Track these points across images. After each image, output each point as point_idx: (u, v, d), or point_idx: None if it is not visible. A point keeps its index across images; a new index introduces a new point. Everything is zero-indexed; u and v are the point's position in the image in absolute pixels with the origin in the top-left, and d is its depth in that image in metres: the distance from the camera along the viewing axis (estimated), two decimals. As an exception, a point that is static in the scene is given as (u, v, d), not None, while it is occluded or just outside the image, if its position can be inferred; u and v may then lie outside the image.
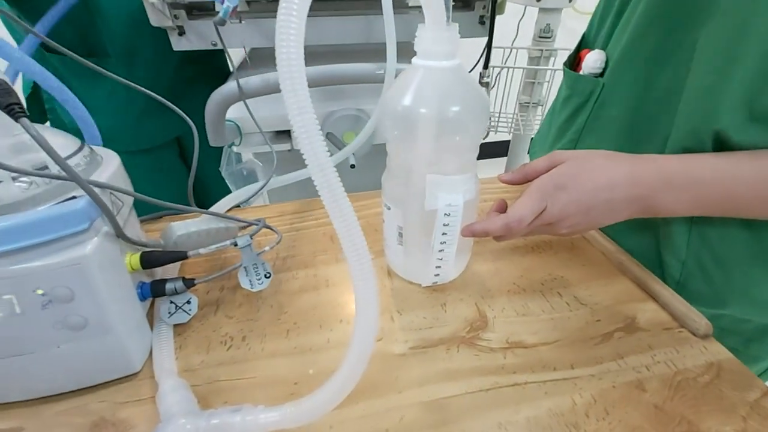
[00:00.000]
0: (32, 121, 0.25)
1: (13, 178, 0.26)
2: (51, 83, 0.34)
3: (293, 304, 0.39)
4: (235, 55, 0.88)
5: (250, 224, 0.42)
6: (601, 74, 0.46)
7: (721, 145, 0.35)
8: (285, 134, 0.72)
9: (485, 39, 0.70)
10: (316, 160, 0.21)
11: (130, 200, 0.35)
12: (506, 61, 1.16)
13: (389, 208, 0.38)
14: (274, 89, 0.58)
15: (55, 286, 0.27)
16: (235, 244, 0.36)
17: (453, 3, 0.49)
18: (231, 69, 0.66)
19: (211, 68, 0.79)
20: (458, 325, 0.37)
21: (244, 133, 0.68)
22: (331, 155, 0.24)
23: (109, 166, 0.32)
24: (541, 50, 1.09)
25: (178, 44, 0.63)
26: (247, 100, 0.58)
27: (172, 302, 0.35)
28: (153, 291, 0.34)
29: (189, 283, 0.36)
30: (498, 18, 0.67)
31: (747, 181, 0.33)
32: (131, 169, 0.36)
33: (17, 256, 0.26)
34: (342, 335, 0.36)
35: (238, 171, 0.72)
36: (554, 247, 0.47)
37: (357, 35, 0.66)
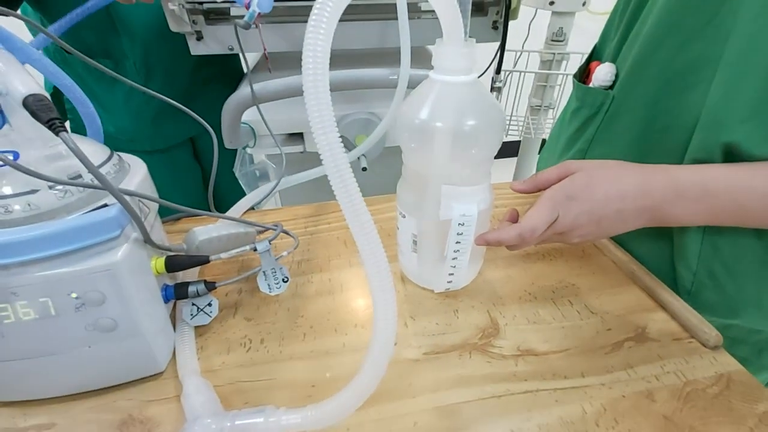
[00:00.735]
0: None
1: (50, 187, 0.27)
2: (64, 81, 0.35)
3: (309, 308, 0.41)
4: (251, 58, 0.90)
5: (268, 229, 0.43)
6: (611, 86, 0.46)
7: (732, 157, 0.36)
8: (298, 136, 0.73)
9: (497, 43, 0.70)
10: (343, 185, 0.23)
11: (155, 206, 0.36)
12: (517, 62, 1.16)
13: (404, 216, 0.39)
14: (291, 93, 0.59)
15: (87, 290, 0.28)
16: (255, 249, 0.38)
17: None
18: (245, 71, 0.67)
19: (226, 70, 0.81)
20: (470, 332, 0.38)
21: (258, 135, 0.69)
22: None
23: (137, 174, 0.34)
24: (554, 53, 1.08)
25: (196, 48, 0.64)
26: (262, 104, 0.59)
27: (194, 304, 0.37)
28: (176, 293, 0.36)
29: (210, 286, 0.37)
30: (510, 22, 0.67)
31: (760, 193, 0.33)
32: (148, 168, 0.37)
33: (53, 261, 0.27)
34: (357, 340, 0.37)
35: (251, 172, 0.73)
36: (565, 255, 0.47)
37: (371, 41, 0.67)
